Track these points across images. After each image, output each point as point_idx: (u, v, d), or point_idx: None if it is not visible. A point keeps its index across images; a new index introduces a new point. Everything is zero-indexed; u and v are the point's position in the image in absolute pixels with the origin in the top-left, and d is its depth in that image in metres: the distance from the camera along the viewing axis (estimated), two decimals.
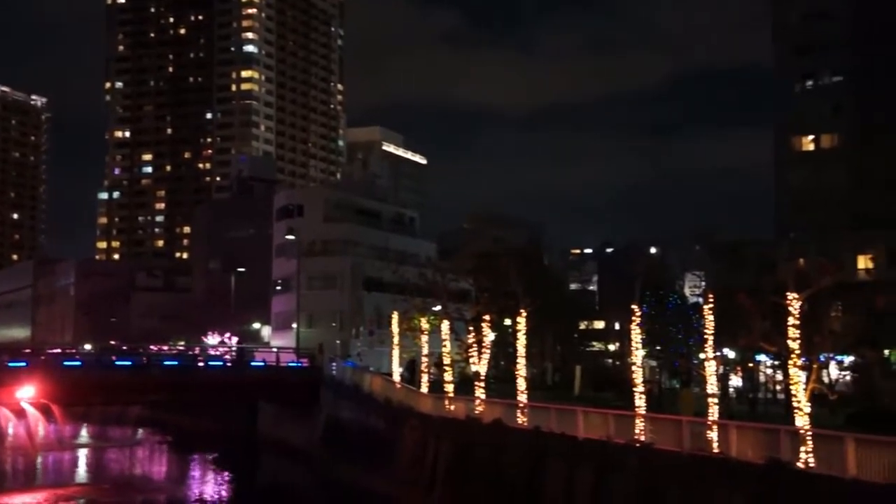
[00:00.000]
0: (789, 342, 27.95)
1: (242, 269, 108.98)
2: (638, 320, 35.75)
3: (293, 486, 60.45)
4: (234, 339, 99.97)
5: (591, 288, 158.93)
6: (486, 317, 46.63)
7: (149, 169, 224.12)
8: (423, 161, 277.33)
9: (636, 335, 35.77)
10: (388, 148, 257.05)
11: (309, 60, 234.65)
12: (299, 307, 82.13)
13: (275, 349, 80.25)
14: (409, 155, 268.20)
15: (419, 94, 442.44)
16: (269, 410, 75.68)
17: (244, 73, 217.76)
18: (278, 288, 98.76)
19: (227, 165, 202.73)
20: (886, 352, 47.40)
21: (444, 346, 49.65)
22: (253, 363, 74.40)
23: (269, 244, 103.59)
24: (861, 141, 73.46)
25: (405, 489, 46.85)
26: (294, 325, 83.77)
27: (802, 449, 26.05)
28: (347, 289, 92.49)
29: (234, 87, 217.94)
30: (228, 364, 73.79)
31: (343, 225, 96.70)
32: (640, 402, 34.25)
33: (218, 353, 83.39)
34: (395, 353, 58.94)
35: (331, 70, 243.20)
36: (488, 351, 46.76)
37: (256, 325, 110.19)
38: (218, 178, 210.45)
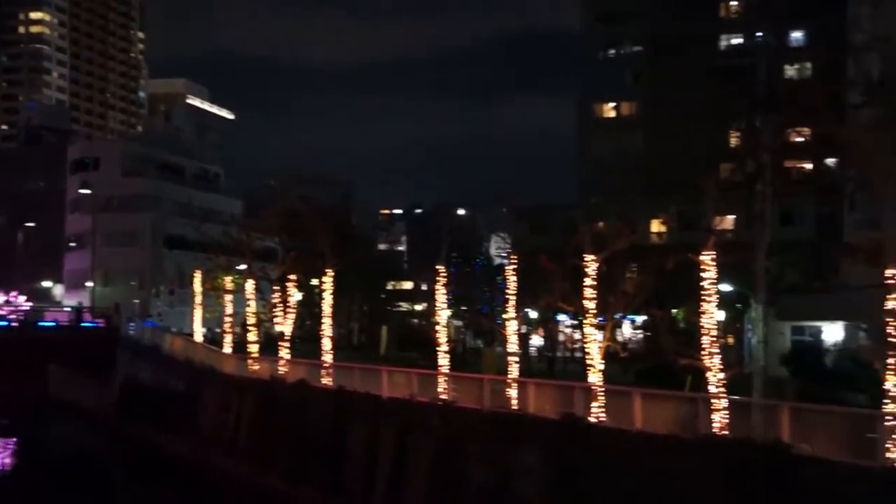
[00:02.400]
0: (585, 302, 28.99)
1: (32, 224, 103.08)
2: (443, 280, 36.11)
3: (86, 451, 57.85)
4: (23, 298, 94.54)
5: (400, 248, 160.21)
6: (292, 276, 45.93)
7: None
8: (231, 116, 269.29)
9: (441, 295, 36.14)
10: (194, 101, 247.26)
11: (107, 6, 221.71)
12: (94, 265, 78.49)
13: (67, 308, 76.50)
14: (215, 109, 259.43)
15: (237, 49, 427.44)
16: (61, 372, 72.25)
17: (33, 15, 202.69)
18: (72, 245, 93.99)
19: (14, 113, 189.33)
20: (674, 311, 50.09)
21: (249, 305, 48.71)
22: (42, 323, 70.69)
23: (63, 198, 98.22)
24: (655, 109, 76.94)
25: (206, 450, 45.88)
26: (89, 284, 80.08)
27: (594, 404, 27.19)
28: (147, 246, 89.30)
29: (21, 30, 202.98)
30: (14, 324, 69.66)
31: (143, 179, 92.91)
32: (443, 361, 34.70)
33: (3, 312, 78.56)
34: (198, 313, 57.44)
35: (131, 17, 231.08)
36: (294, 311, 46.19)
37: (47, 284, 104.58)
38: (4, 127, 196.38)
